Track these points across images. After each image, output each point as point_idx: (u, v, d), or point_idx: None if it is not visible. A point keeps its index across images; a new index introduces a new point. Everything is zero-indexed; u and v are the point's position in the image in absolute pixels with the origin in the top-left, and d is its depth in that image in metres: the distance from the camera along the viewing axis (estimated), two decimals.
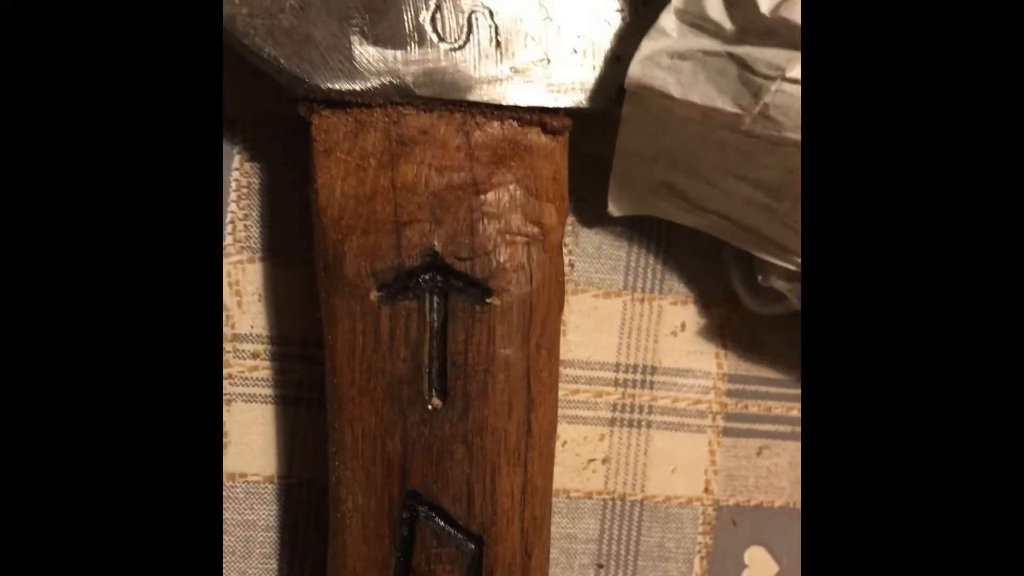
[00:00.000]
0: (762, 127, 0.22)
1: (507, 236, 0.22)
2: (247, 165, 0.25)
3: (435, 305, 0.22)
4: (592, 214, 0.27)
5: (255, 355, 0.25)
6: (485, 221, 0.22)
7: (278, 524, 0.25)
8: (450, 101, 0.22)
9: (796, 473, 0.28)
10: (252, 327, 0.25)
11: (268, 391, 0.25)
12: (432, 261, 0.21)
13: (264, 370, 0.25)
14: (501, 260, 0.22)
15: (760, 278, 0.26)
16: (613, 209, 0.26)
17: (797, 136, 0.21)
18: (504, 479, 0.22)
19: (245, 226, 0.25)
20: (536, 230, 0.22)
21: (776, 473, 0.28)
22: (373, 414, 0.21)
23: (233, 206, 0.25)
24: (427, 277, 0.22)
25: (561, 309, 0.23)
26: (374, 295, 0.21)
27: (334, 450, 0.22)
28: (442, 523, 0.21)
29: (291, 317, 0.25)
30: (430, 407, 0.21)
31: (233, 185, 0.25)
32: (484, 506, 0.21)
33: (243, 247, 0.25)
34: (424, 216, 0.21)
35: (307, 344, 0.25)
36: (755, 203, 0.24)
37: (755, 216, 0.24)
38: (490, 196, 0.22)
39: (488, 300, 0.22)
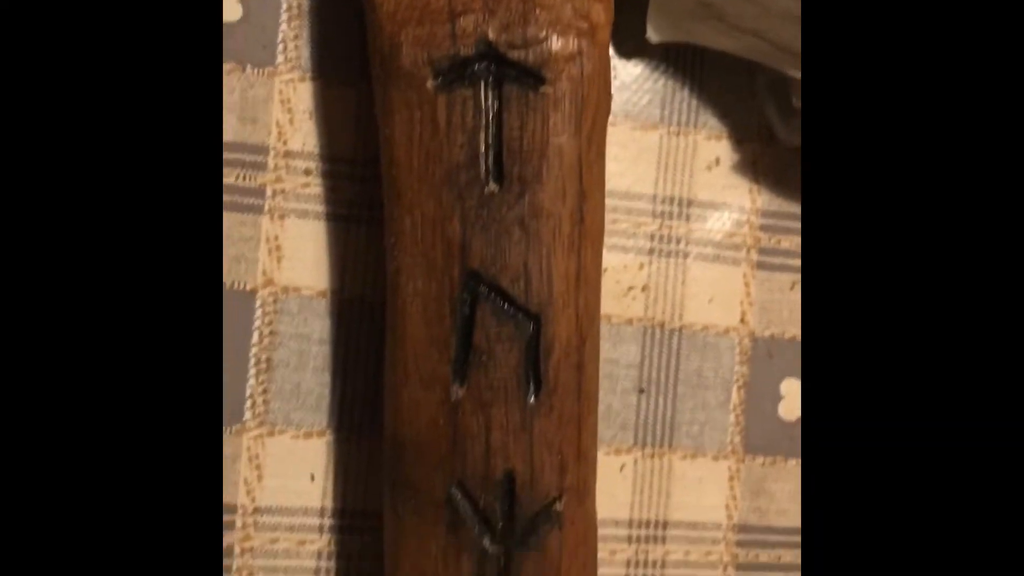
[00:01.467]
0: None
1: (558, 27, 0.22)
2: None
3: (490, 93, 0.22)
4: (630, 47, 0.27)
5: (307, 172, 0.25)
6: (537, 11, 0.22)
7: (331, 338, 0.25)
8: None
9: None
10: (304, 144, 0.25)
11: (320, 208, 0.25)
12: (486, 50, 0.22)
13: (316, 187, 0.25)
14: (553, 49, 0.22)
15: (795, 100, 0.26)
16: (652, 34, 0.26)
17: None
18: (559, 262, 0.22)
19: (296, 46, 0.25)
20: (585, 25, 0.22)
21: None
22: (432, 200, 0.22)
23: (284, 26, 0.25)
24: (482, 66, 0.22)
25: (608, 110, 0.23)
26: (430, 83, 0.22)
27: (393, 240, 0.22)
28: (501, 302, 0.22)
29: (342, 137, 0.25)
30: (487, 191, 0.22)
31: (284, 5, 0.25)
32: (541, 287, 0.22)
33: (294, 66, 0.25)
34: (478, 6, 0.22)
35: (357, 163, 0.25)
36: (793, 16, 0.24)
37: (793, 32, 0.25)
38: None
39: (541, 88, 0.22)
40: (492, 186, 0.22)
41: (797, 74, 0.25)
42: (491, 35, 0.22)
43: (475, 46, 0.22)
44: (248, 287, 0.25)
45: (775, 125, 0.28)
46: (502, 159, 0.22)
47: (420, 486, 0.22)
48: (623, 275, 0.27)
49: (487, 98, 0.22)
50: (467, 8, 0.22)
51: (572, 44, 0.22)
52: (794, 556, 0.28)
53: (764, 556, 0.28)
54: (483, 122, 0.22)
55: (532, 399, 0.22)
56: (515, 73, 0.22)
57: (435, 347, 0.22)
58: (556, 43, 0.22)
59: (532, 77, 0.22)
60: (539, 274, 0.22)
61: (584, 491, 0.23)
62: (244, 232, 0.25)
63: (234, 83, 0.25)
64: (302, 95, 0.25)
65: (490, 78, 0.22)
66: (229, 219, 0.25)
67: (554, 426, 0.22)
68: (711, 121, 0.28)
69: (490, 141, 0.22)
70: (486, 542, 0.22)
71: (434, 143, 0.22)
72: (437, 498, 0.22)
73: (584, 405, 0.22)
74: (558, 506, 0.22)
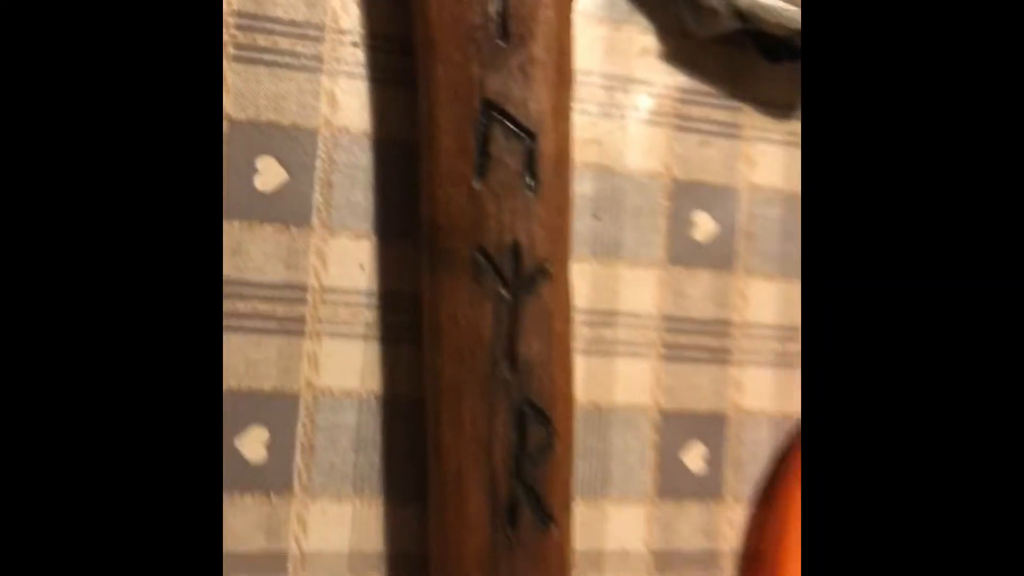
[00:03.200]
0: None
1: None
2: None
3: None
4: None
5: (355, 45, 0.33)
6: None
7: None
8: None
9: (727, 157, 0.38)
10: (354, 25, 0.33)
11: (370, 74, 0.33)
12: None
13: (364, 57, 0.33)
14: None
15: (701, 1, 0.36)
16: None
17: None
18: (547, 96, 0.31)
19: None
20: None
21: (714, 158, 0.38)
22: (458, 51, 0.30)
23: None
24: None
25: None
26: None
27: (427, 83, 0.30)
28: (508, 123, 0.30)
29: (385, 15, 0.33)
30: (498, 44, 0.30)
31: None
32: (535, 113, 0.30)
33: None
34: None
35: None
36: None
37: None
38: None
39: None
40: (500, 42, 0.30)
41: None
42: None
43: None
44: (312, 126, 0.33)
45: (687, 21, 0.37)
46: (508, 23, 0.30)
47: (453, 252, 0.30)
48: (582, 131, 0.36)
49: None
50: None
51: None
52: (707, 340, 0.38)
53: (683, 339, 0.38)
54: None
55: (530, 192, 0.30)
56: None
57: (461, 156, 0.30)
58: None
59: None
60: (535, 104, 0.30)
61: (564, 258, 0.31)
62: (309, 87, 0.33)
63: None
64: None
65: None
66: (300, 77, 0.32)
67: (545, 211, 0.31)
68: (641, 19, 0.37)
69: (499, 9, 0.30)
70: (501, 289, 0.30)
71: (458, 10, 0.30)
72: (465, 260, 0.30)
73: (564, 198, 0.31)
74: (548, 266, 0.31)
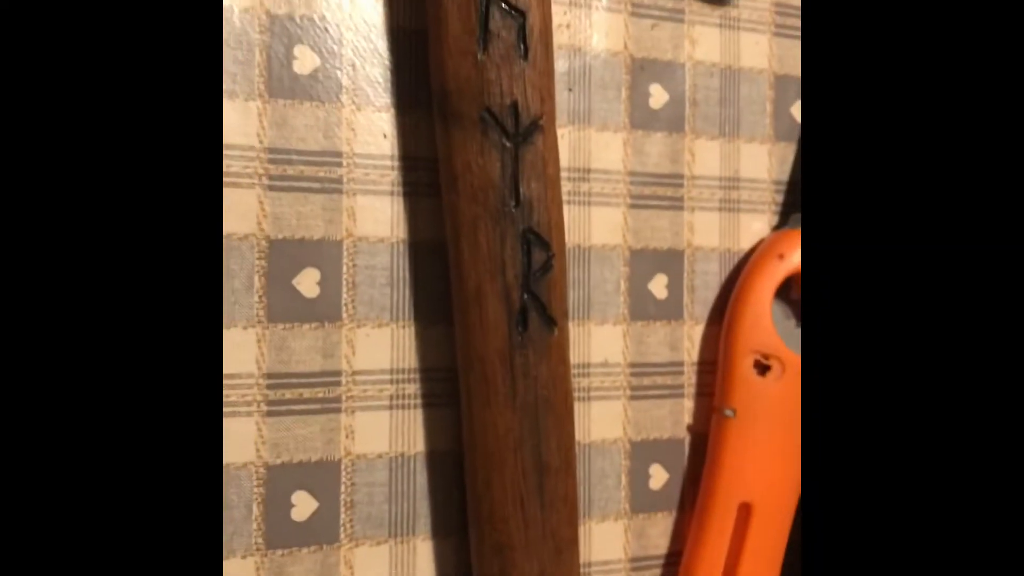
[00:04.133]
0: None
1: None
2: None
3: None
4: None
5: None
6: None
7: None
8: None
9: (674, 38, 0.45)
10: None
11: None
12: None
13: None
14: None
15: None
16: None
17: None
18: None
19: None
20: None
21: (663, 39, 0.45)
22: None
23: None
24: None
25: None
26: None
27: None
28: (503, 4, 0.37)
29: None
30: None
31: None
32: None
33: None
34: None
35: None
36: None
37: None
38: None
39: None
40: None
41: None
42: None
43: None
44: None
45: None
46: None
47: (463, 113, 0.37)
48: (556, 18, 0.43)
49: None
50: None
51: None
52: (664, 191, 0.45)
53: (647, 191, 0.45)
54: None
55: (523, 60, 0.37)
56: None
57: (467, 33, 0.37)
58: None
59: None
60: None
61: (552, 114, 0.38)
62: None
63: None
64: None
65: None
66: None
67: (536, 75, 0.38)
68: None
69: None
70: (504, 141, 0.37)
71: None
72: (473, 119, 0.37)
73: (549, 65, 0.38)
74: (541, 122, 0.38)
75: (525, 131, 0.37)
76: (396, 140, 0.40)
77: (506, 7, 0.37)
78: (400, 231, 0.40)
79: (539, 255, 0.38)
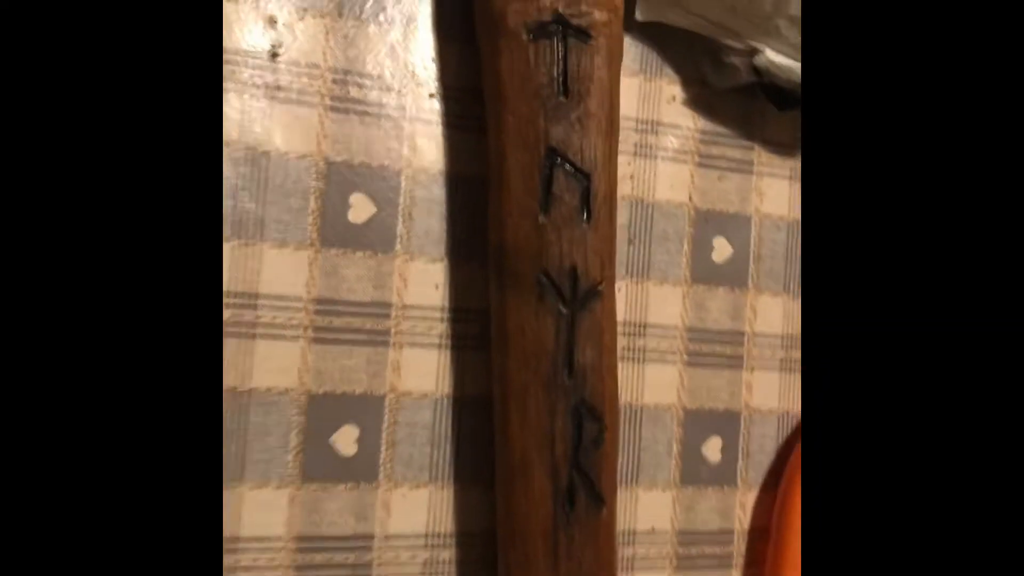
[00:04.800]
0: None
1: (598, 6, 0.35)
2: None
3: (560, 44, 0.35)
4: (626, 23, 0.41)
5: (431, 96, 0.38)
6: None
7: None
8: None
9: (741, 190, 0.43)
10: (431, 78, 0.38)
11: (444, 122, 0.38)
12: (557, 18, 0.35)
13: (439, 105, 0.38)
14: (596, 18, 0.35)
15: (722, 57, 0.41)
16: (639, 15, 0.40)
17: None
18: (600, 144, 0.35)
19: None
20: (612, 5, 0.36)
21: (730, 190, 0.43)
22: (525, 105, 0.35)
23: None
24: (555, 28, 0.35)
25: (622, 56, 0.37)
26: (525, 37, 0.35)
27: (497, 132, 0.35)
28: (568, 166, 0.35)
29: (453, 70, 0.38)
30: (559, 101, 0.35)
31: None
32: (590, 158, 0.35)
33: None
34: None
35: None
36: (725, 5, 0.39)
37: (723, 14, 0.39)
38: None
39: (590, 41, 0.35)
40: (562, 98, 0.35)
41: (724, 41, 0.40)
42: (561, 9, 0.35)
43: (551, 15, 0.35)
44: (396, 169, 0.38)
45: (707, 74, 0.42)
46: (567, 82, 0.35)
47: (520, 274, 0.35)
48: (619, 168, 0.41)
49: (558, 47, 0.35)
50: None
51: (605, 16, 0.36)
52: (724, 348, 0.43)
53: (704, 348, 0.43)
54: (556, 59, 0.35)
55: (585, 224, 0.35)
56: (574, 32, 0.35)
57: (529, 194, 0.35)
58: (597, 15, 0.35)
59: (585, 35, 0.35)
60: (589, 150, 0.35)
61: (612, 281, 0.36)
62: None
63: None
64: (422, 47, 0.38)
65: (559, 34, 0.35)
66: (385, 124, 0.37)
67: (598, 240, 0.36)
68: (669, 71, 0.42)
69: (561, 70, 0.35)
70: (560, 306, 0.35)
71: (527, 72, 0.35)
72: (530, 281, 0.35)
73: (612, 229, 0.36)
74: (600, 288, 0.36)
75: (583, 297, 0.35)
76: (447, 291, 0.38)
77: (571, 168, 0.35)
78: (445, 386, 0.38)
79: (590, 428, 0.35)
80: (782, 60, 0.39)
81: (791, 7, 0.38)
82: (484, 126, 0.37)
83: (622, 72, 0.41)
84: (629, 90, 0.41)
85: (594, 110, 0.35)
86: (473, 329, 0.38)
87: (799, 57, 0.39)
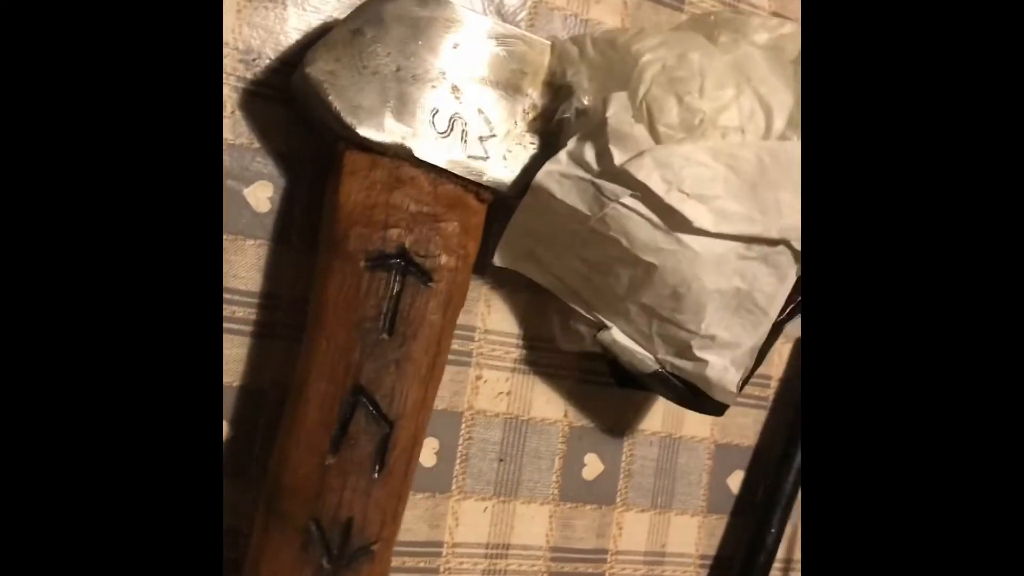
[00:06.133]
0: (599, 226, 0.35)
1: (447, 250, 0.33)
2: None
3: (397, 279, 0.33)
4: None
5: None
6: (437, 238, 0.33)
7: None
8: (430, 165, 0.34)
9: (617, 405, 0.41)
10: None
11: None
12: (401, 252, 0.33)
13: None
14: (441, 262, 0.33)
15: (571, 322, 0.39)
16: (496, 260, 0.38)
17: (618, 239, 0.35)
18: (415, 392, 0.32)
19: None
20: (463, 251, 0.34)
21: (607, 406, 0.41)
22: (344, 333, 0.32)
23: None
24: (397, 261, 0.33)
25: (463, 303, 0.35)
26: (362, 263, 0.32)
27: (308, 354, 0.32)
28: (372, 409, 0.32)
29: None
30: (380, 338, 0.32)
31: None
32: (399, 405, 0.32)
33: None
34: (403, 225, 0.33)
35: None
36: (581, 273, 0.37)
37: (578, 281, 0.38)
38: (442, 224, 0.34)
39: (429, 283, 0.33)
40: (384, 335, 0.32)
41: (575, 306, 0.38)
42: (407, 244, 0.33)
43: (396, 248, 0.33)
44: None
45: (555, 333, 0.40)
46: (395, 320, 0.32)
47: (289, 516, 0.31)
48: (496, 384, 0.38)
49: (395, 281, 0.33)
50: (396, 225, 0.33)
51: (452, 262, 0.33)
52: (588, 567, 0.41)
53: (568, 568, 0.40)
54: (388, 295, 0.32)
55: (375, 475, 0.32)
56: (415, 270, 0.33)
57: (323, 428, 0.31)
58: (443, 259, 0.33)
59: (426, 275, 0.33)
60: (400, 397, 0.32)
61: (390, 543, 0.33)
62: None
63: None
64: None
65: (400, 269, 0.33)
66: None
67: (384, 496, 0.32)
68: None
69: (390, 307, 0.32)
70: (324, 561, 0.31)
71: (355, 299, 0.32)
72: (299, 526, 0.31)
73: (405, 487, 0.33)
74: (373, 547, 0.32)
75: (352, 555, 0.31)
76: None
77: (375, 412, 0.32)
78: None
79: None
80: (626, 342, 0.38)
81: (644, 295, 0.36)
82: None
83: (507, 289, 0.39)
84: (514, 307, 0.40)
85: (416, 355, 0.33)
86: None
87: (643, 343, 0.38)
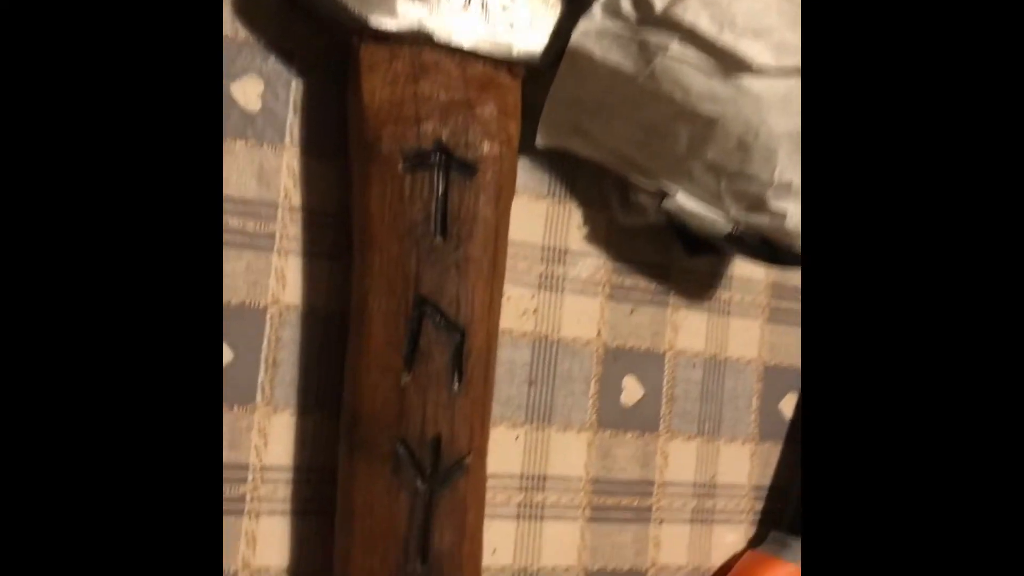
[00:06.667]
0: (648, 84, 0.32)
1: (488, 136, 0.30)
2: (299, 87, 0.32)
3: (441, 176, 0.30)
4: (525, 148, 0.36)
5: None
6: (475, 125, 0.30)
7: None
8: (452, 46, 0.30)
9: (654, 324, 0.38)
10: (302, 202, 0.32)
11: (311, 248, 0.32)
12: (440, 147, 0.30)
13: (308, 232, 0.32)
14: (484, 152, 0.30)
15: (630, 195, 0.36)
16: (539, 141, 0.35)
17: (671, 95, 0.32)
18: (480, 294, 0.30)
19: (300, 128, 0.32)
20: (505, 136, 0.31)
21: (643, 325, 0.38)
22: (396, 244, 0.29)
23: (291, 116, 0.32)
24: (436, 157, 0.30)
25: (514, 192, 0.32)
26: (400, 166, 0.29)
27: (362, 271, 0.30)
28: (440, 318, 0.29)
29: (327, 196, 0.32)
30: (435, 242, 0.29)
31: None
32: (467, 310, 0.30)
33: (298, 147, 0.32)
34: (436, 117, 0.30)
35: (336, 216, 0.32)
36: (635, 139, 0.34)
37: (633, 149, 0.34)
38: (477, 110, 0.30)
39: (475, 176, 0.30)
40: (438, 239, 0.30)
41: (632, 178, 0.35)
42: (444, 137, 0.30)
43: (432, 143, 0.30)
44: (260, 305, 0.31)
45: (614, 209, 0.37)
46: (446, 221, 0.30)
47: (373, 443, 0.29)
48: (520, 302, 0.36)
49: (438, 179, 0.30)
50: (429, 117, 0.30)
51: (496, 149, 0.30)
52: (631, 500, 0.38)
53: (610, 500, 0.37)
54: (435, 195, 0.30)
55: (456, 387, 0.30)
56: (457, 164, 0.30)
57: (391, 346, 0.29)
58: (486, 147, 0.30)
59: (469, 168, 0.30)
60: (466, 301, 0.30)
61: (482, 452, 0.31)
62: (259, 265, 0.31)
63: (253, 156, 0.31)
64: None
65: (441, 166, 0.30)
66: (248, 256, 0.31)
67: (469, 406, 0.30)
68: (579, 196, 0.37)
69: (438, 208, 0.30)
70: (418, 483, 0.29)
71: (400, 206, 0.29)
72: (385, 452, 0.29)
73: (487, 393, 0.31)
74: (467, 461, 0.30)
75: (447, 472, 0.30)
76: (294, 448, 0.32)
77: (443, 321, 0.30)
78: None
79: None
80: (694, 206, 0.34)
81: (708, 151, 0.33)
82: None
83: (527, 195, 0.36)
84: (534, 215, 0.36)
85: (475, 255, 0.30)
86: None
87: (712, 203, 0.34)
